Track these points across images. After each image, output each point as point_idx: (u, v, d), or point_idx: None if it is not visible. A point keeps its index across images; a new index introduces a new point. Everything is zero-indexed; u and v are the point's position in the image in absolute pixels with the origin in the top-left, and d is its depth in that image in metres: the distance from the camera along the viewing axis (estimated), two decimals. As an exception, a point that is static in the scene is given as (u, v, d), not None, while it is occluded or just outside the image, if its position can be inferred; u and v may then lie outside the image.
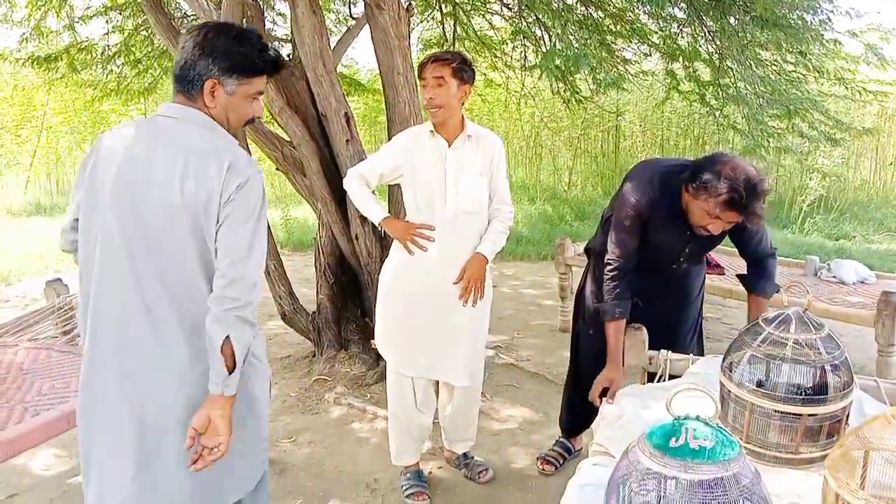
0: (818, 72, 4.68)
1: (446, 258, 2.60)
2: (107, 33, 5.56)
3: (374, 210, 2.70)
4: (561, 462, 3.01)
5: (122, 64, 5.63)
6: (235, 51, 1.69)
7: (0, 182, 10.38)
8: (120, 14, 5.48)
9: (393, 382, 2.78)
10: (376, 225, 2.75)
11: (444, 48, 5.79)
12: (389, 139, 3.04)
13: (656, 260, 2.48)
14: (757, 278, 2.45)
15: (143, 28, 5.43)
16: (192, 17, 5.15)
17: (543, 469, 2.99)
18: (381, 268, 2.80)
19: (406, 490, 2.80)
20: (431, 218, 2.59)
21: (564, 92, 5.34)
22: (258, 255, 1.68)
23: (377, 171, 2.68)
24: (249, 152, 3.07)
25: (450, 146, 2.58)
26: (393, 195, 3.62)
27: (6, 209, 8.88)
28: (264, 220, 1.72)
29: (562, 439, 3.08)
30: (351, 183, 2.74)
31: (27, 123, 10.74)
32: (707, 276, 4.11)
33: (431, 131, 2.59)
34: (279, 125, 3.81)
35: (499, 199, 2.69)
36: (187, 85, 1.70)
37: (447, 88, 2.51)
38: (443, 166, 2.57)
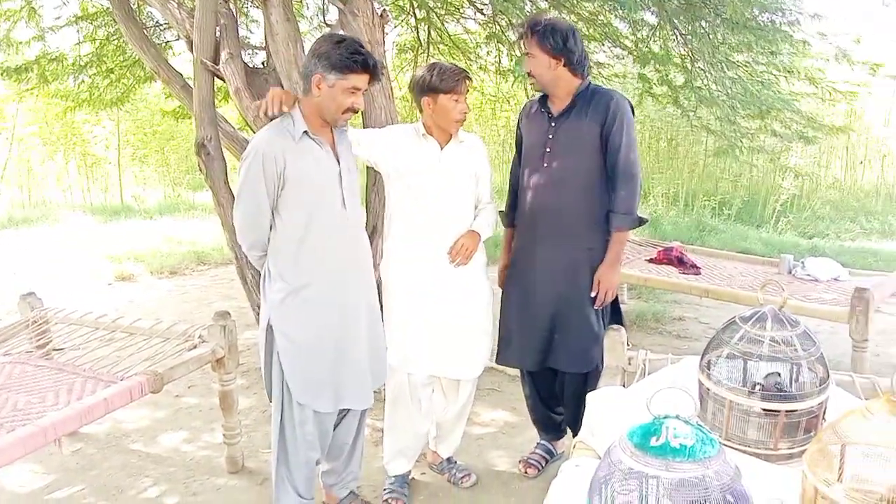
0: (788, 72, 4.75)
1: (438, 256, 2.63)
2: (78, 43, 5.51)
3: None
4: (543, 465, 3.02)
5: (94, 74, 5.56)
6: (335, 52, 2.17)
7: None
8: (91, 24, 5.42)
9: (394, 390, 2.75)
10: None
11: (419, 53, 5.81)
12: None
13: (529, 159, 2.79)
14: (612, 209, 2.64)
15: (115, 37, 5.37)
16: (164, 27, 5.12)
17: (526, 472, 2.99)
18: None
19: (385, 494, 2.81)
20: (422, 218, 2.61)
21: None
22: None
23: (364, 143, 2.63)
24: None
25: (441, 149, 2.62)
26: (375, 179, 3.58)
27: (-23, 222, 8.72)
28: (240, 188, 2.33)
29: (542, 442, 3.08)
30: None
31: (-4, 135, 10.57)
32: (683, 275, 4.19)
33: (423, 134, 2.62)
34: (253, 132, 3.78)
35: (485, 201, 2.78)
36: (303, 81, 2.29)
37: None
38: (435, 168, 2.61)
